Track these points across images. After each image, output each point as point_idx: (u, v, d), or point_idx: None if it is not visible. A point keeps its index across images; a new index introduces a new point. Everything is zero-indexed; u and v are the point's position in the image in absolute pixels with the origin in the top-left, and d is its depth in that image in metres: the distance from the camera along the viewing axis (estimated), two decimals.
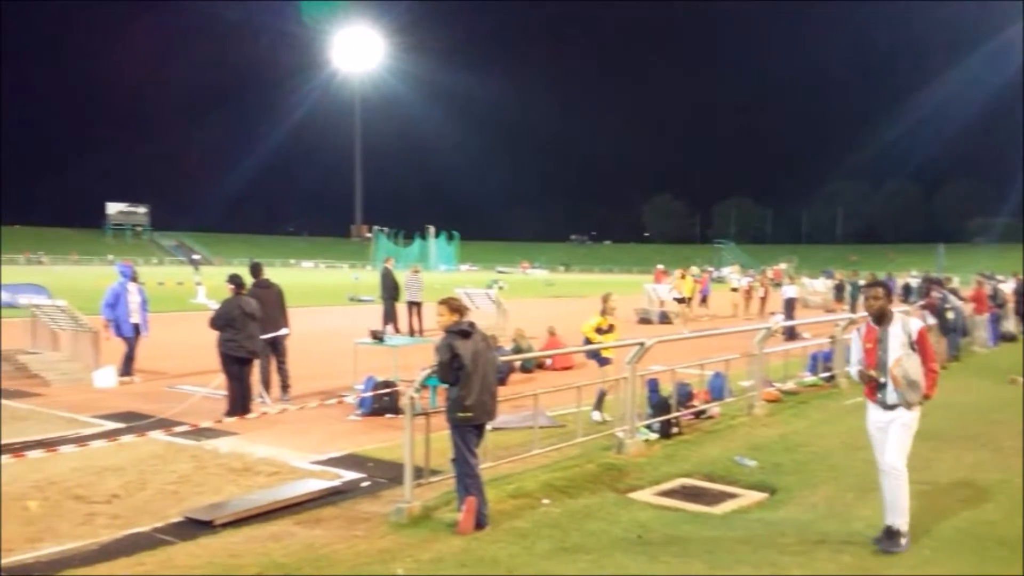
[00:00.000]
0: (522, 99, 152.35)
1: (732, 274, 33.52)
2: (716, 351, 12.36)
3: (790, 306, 23.60)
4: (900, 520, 5.75)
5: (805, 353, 14.46)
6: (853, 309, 26.35)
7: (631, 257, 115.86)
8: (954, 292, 18.23)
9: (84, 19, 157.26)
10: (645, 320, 26.09)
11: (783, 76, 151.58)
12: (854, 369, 6.18)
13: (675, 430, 9.62)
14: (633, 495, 7.28)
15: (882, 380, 5.86)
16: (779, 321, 16.91)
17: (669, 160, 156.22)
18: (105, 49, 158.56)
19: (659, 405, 9.72)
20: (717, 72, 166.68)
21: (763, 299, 30.23)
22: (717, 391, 11.23)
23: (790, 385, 12.79)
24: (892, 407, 5.85)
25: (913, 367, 5.75)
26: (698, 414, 10.44)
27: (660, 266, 36.67)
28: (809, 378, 13.46)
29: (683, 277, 26.26)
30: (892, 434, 5.84)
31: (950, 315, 16.22)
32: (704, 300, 30.10)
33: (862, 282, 30.49)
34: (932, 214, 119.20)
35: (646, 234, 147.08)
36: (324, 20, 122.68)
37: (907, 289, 32.16)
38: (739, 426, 10.33)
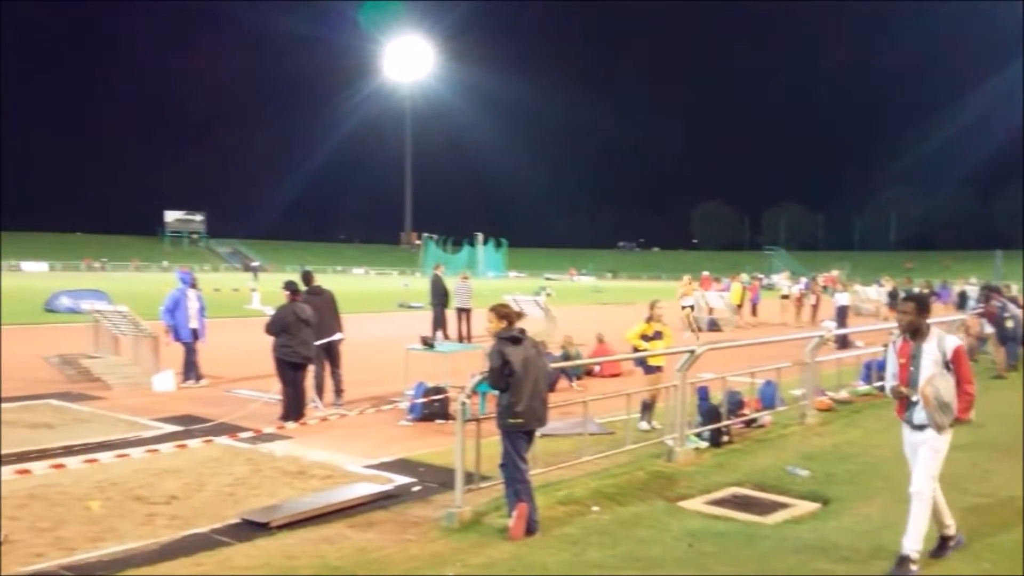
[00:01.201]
0: (570, 105, 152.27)
1: (782, 281, 32.98)
2: (767, 359, 12.24)
3: (842, 314, 23.24)
4: (915, 547, 5.46)
5: (858, 362, 14.24)
6: None
7: (679, 264, 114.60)
8: (1013, 300, 17.79)
9: (140, 32, 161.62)
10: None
11: (834, 80, 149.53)
12: (888, 385, 5.87)
13: (725, 438, 9.56)
14: (683, 504, 7.25)
15: (914, 398, 5.57)
16: (831, 328, 16.67)
17: (718, 166, 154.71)
18: (164, 61, 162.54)
19: (709, 413, 9.67)
20: (766, 77, 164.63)
21: (815, 306, 29.81)
22: (768, 399, 11.13)
23: (843, 394, 12.60)
24: (920, 427, 5.57)
25: (946, 388, 5.41)
26: (749, 423, 10.35)
27: (706, 272, 36.33)
28: (862, 387, 13.25)
29: (690, 283, 25.39)
30: (920, 457, 5.57)
31: (1009, 323, 15.83)
32: (754, 308, 29.78)
33: (916, 290, 29.92)
34: (989, 220, 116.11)
35: (694, 241, 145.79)
36: (380, 28, 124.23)
37: (963, 297, 31.41)
38: (791, 435, 10.22)
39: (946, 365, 5.50)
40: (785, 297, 30.82)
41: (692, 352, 9.09)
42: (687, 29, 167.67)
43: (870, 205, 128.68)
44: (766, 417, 10.68)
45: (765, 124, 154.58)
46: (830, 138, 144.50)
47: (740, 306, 28.69)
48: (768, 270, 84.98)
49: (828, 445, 9.60)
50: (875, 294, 32.53)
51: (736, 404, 10.24)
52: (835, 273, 39.91)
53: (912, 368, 5.59)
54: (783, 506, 7.25)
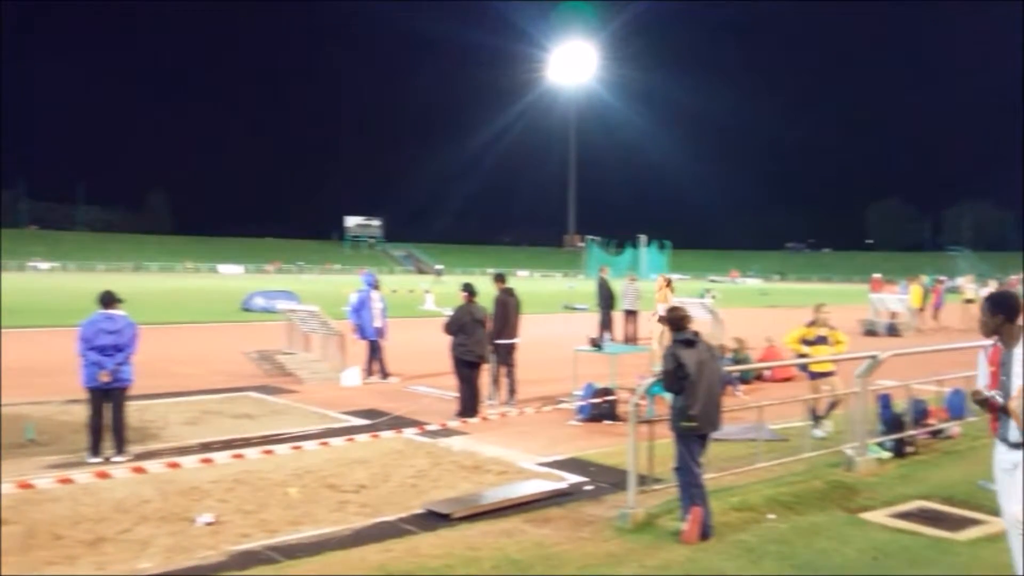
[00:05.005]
0: (735, 105, 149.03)
1: (967, 284, 30.74)
2: (954, 366, 11.55)
3: None
4: None
5: None
6: None
7: (851, 266, 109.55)
8: None
9: (332, 59, 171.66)
10: (871, 332, 24.70)
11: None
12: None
13: (909, 449, 9.14)
14: (865, 515, 7.01)
15: (999, 399, 4.87)
16: None
17: (895, 162, 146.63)
18: (342, 82, 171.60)
19: (892, 422, 9.28)
20: (949, 68, 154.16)
21: None
22: (956, 409, 10.53)
23: None
24: (1016, 445, 4.89)
25: None
26: (935, 433, 9.84)
27: (877, 275, 34.53)
28: None
29: (668, 285, 22.14)
30: (1018, 482, 4.92)
31: None
32: (936, 312, 27.94)
33: None
34: None
35: (868, 241, 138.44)
36: (572, 30, 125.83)
37: None
38: (982, 447, 9.59)
39: None
40: (970, 301, 28.61)
41: (874, 358, 8.76)
42: (863, 22, 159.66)
43: None
44: (954, 428, 10.11)
45: (947, 116, 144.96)
46: (1020, 128, 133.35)
47: (921, 309, 27.03)
48: (951, 272, 79.53)
49: None
50: None
51: (921, 413, 9.76)
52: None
53: (1003, 376, 4.96)
54: (975, 522, 6.87)
